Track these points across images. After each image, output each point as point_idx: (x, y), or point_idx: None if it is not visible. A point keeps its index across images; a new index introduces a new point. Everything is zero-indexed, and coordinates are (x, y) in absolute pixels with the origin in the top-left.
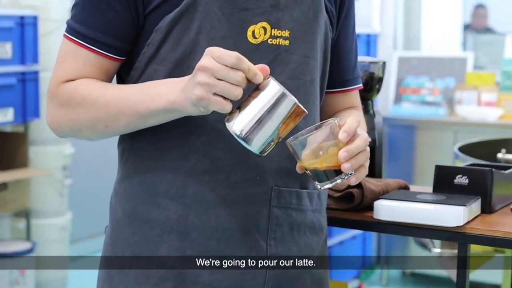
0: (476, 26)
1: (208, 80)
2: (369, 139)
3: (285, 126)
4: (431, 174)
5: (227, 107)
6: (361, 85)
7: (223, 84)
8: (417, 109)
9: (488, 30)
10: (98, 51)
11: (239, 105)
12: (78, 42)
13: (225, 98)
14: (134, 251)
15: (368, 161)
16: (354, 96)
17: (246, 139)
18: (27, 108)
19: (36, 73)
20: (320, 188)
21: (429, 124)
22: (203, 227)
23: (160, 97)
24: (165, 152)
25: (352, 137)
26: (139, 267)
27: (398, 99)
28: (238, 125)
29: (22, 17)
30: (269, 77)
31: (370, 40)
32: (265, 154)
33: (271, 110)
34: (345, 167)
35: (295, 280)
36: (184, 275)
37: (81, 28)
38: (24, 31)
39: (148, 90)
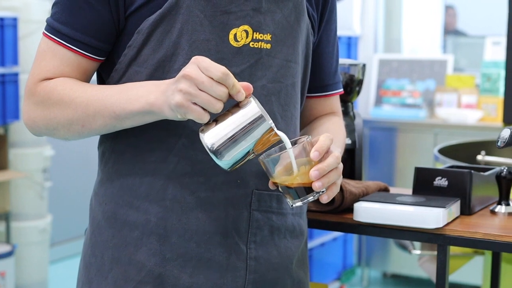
0: (447, 27)
1: (190, 89)
2: (340, 160)
3: (257, 148)
4: (411, 176)
5: (205, 118)
6: (341, 90)
7: (205, 96)
8: (397, 112)
9: (458, 32)
10: (77, 50)
11: (216, 118)
12: (57, 40)
13: (204, 108)
14: (113, 253)
15: (341, 178)
16: (334, 101)
17: (216, 153)
18: (7, 110)
19: (15, 75)
20: (292, 206)
21: (409, 126)
22: (183, 230)
23: (138, 98)
24: (145, 154)
25: (325, 155)
26: (119, 270)
27: (378, 101)
28: (211, 138)
29: (1, 19)
30: (250, 96)
31: (351, 43)
32: (232, 170)
33: (246, 130)
34: (316, 185)
35: (275, 283)
36: (164, 278)
37: (61, 27)
38: (3, 33)
39: (127, 91)
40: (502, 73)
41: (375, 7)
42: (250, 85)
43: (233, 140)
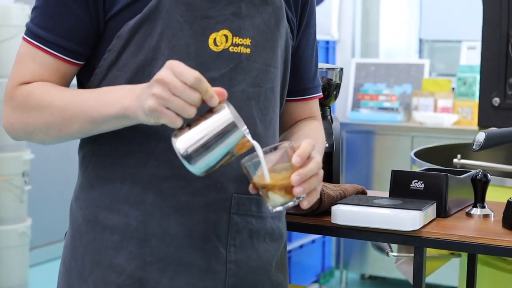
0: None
1: (163, 94)
2: (321, 165)
3: (230, 156)
4: (388, 179)
5: (178, 123)
6: (321, 94)
7: (178, 101)
8: (375, 115)
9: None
10: (56, 55)
11: (189, 122)
12: (36, 44)
13: (177, 113)
14: (94, 257)
15: (321, 185)
16: (313, 106)
17: (188, 159)
18: None
19: None
20: (272, 210)
21: (386, 129)
22: (163, 234)
23: (113, 102)
24: (125, 158)
25: (306, 160)
26: (99, 273)
27: (356, 105)
28: (183, 143)
29: None
30: (224, 102)
31: (329, 47)
32: (204, 175)
33: (218, 137)
34: (296, 191)
35: (254, 287)
36: (144, 282)
37: (40, 31)
38: None
39: (103, 95)
40: (478, 77)
41: (352, 12)
42: (224, 91)
43: (205, 146)
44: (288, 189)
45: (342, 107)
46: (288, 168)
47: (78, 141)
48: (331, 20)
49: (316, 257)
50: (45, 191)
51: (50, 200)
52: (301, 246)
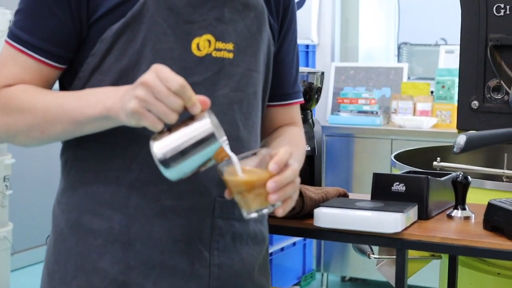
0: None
1: (146, 97)
2: (297, 174)
3: (206, 164)
4: (369, 181)
5: (158, 126)
6: (302, 99)
7: (160, 105)
8: (354, 118)
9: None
10: (38, 58)
11: (170, 127)
12: (18, 48)
13: (158, 117)
14: (77, 261)
15: (297, 193)
16: (294, 111)
17: (164, 163)
18: None
19: None
20: (247, 217)
21: (366, 132)
22: (146, 238)
23: (96, 103)
24: (109, 162)
25: (283, 168)
26: (82, 277)
27: (336, 108)
28: (161, 148)
29: None
30: (206, 111)
31: (309, 51)
32: (178, 180)
33: (196, 145)
34: (272, 198)
35: None
36: (128, 286)
37: (22, 34)
38: None
39: (86, 96)
40: (456, 80)
41: (332, 16)
42: (208, 100)
43: (182, 153)
44: (263, 196)
45: (322, 111)
46: (264, 175)
47: (59, 145)
48: (311, 24)
49: (297, 259)
50: (26, 195)
51: (32, 204)
52: (282, 249)
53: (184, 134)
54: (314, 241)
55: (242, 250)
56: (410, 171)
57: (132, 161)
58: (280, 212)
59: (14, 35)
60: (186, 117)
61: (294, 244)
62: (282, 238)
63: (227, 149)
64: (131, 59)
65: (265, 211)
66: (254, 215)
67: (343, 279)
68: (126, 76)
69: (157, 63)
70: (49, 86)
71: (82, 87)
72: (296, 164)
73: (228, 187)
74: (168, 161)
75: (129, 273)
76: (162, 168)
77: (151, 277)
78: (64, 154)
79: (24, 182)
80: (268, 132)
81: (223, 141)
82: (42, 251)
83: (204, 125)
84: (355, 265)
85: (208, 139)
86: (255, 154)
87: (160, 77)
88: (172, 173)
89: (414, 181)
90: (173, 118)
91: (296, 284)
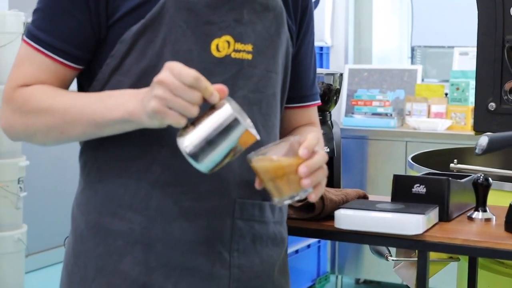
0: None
1: (165, 94)
2: (326, 158)
3: (234, 151)
4: (383, 184)
5: (182, 122)
6: (319, 101)
7: (179, 101)
8: (368, 121)
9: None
10: (55, 58)
11: (193, 121)
12: (36, 47)
13: (180, 113)
14: (97, 263)
15: (326, 179)
16: (312, 113)
17: (194, 157)
18: None
19: None
20: (279, 204)
21: (380, 135)
22: (167, 239)
23: (117, 107)
24: (128, 163)
25: (311, 154)
26: (103, 279)
27: (349, 111)
28: (188, 142)
29: None
30: (225, 99)
31: (323, 53)
32: (212, 172)
33: (222, 133)
34: (304, 183)
35: None
36: (148, 287)
37: (40, 34)
38: None
39: (106, 99)
40: (471, 82)
41: (345, 18)
42: (225, 87)
43: (210, 143)
44: (295, 182)
45: (336, 113)
46: (294, 161)
47: (74, 148)
48: (324, 26)
49: (311, 262)
50: (40, 197)
51: (46, 206)
52: (296, 251)
53: (208, 125)
54: (329, 243)
55: (262, 251)
56: (429, 173)
57: (152, 162)
58: (313, 197)
59: (31, 34)
60: (207, 109)
61: (308, 246)
62: (296, 240)
63: (253, 131)
64: (151, 60)
65: (297, 197)
66: (287, 201)
67: (357, 281)
68: (145, 77)
69: None
70: (66, 87)
71: (101, 88)
72: (323, 151)
73: (259, 175)
74: (197, 154)
75: (150, 275)
76: (193, 162)
77: (171, 279)
78: (83, 155)
79: (39, 184)
80: (285, 133)
81: (247, 124)
82: (57, 253)
83: (225, 112)
84: (369, 268)
85: (232, 124)
86: (282, 143)
87: (174, 73)
88: (204, 165)
89: (435, 182)
90: (194, 111)
91: (310, 287)
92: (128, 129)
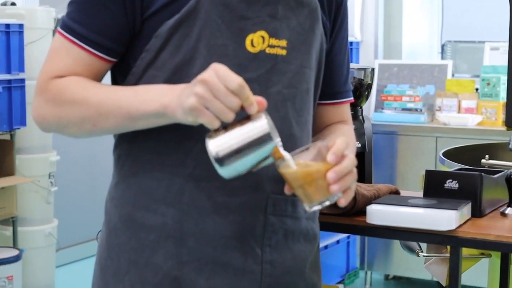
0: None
1: (205, 94)
2: (355, 163)
3: (259, 164)
4: (413, 179)
5: (215, 124)
6: (351, 98)
7: (218, 104)
8: (398, 116)
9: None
10: (90, 51)
11: (226, 126)
12: (71, 39)
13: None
14: (130, 256)
15: (355, 183)
16: (344, 110)
17: (219, 161)
18: (13, 116)
19: (22, 81)
20: (309, 210)
21: (410, 130)
22: (199, 234)
23: (152, 100)
24: (162, 157)
25: (340, 158)
26: (135, 272)
27: (379, 106)
28: (217, 146)
29: (7, 26)
30: (263, 112)
31: (352, 48)
32: (230, 179)
33: (252, 145)
34: (333, 188)
35: (289, 287)
36: (180, 281)
37: (75, 26)
38: (9, 40)
39: (141, 93)
40: (502, 77)
41: (375, 13)
42: (264, 101)
43: (238, 152)
44: (324, 188)
45: (366, 108)
46: (322, 167)
47: (105, 143)
48: (354, 21)
49: (340, 257)
50: (71, 192)
51: (76, 201)
52: (326, 247)
53: (240, 134)
54: (358, 239)
55: (294, 247)
56: (461, 168)
57: (186, 157)
58: (343, 202)
59: (67, 26)
60: (242, 117)
61: (338, 242)
62: (326, 236)
63: (282, 150)
64: (186, 55)
65: (327, 202)
66: (316, 207)
67: (386, 277)
68: (180, 71)
69: (210, 59)
70: (99, 79)
71: (136, 82)
72: (352, 154)
73: (288, 182)
74: (223, 159)
75: (182, 269)
76: (216, 166)
77: (203, 273)
78: (117, 149)
79: (69, 179)
80: (318, 131)
81: (278, 142)
82: (87, 247)
83: (261, 125)
84: (399, 263)
85: (264, 139)
86: (310, 148)
87: (219, 75)
88: (226, 171)
89: (467, 178)
90: (230, 116)
91: (339, 282)
92: (161, 123)
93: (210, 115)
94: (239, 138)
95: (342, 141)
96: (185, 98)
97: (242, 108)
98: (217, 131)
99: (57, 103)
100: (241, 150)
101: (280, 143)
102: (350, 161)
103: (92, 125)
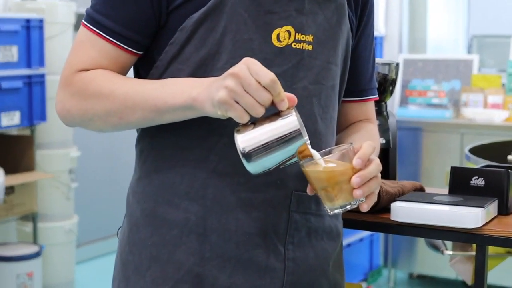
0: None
1: (236, 88)
2: (381, 167)
3: (287, 161)
4: (438, 176)
5: (245, 118)
6: (376, 96)
7: (249, 98)
8: (423, 112)
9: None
10: (116, 43)
11: (254, 121)
12: (97, 32)
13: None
14: (151, 252)
15: (379, 187)
16: (369, 107)
17: (247, 157)
18: (34, 111)
19: (42, 76)
20: (330, 213)
21: (435, 126)
22: (222, 230)
23: (180, 93)
24: (186, 152)
25: (366, 162)
26: (157, 268)
27: (404, 101)
28: (246, 141)
29: (28, 21)
30: (292, 109)
31: (376, 43)
32: (256, 175)
33: (281, 141)
34: (356, 193)
35: (312, 285)
36: (202, 278)
37: (101, 18)
38: (30, 35)
39: (169, 85)
40: None
41: (399, 7)
42: (295, 97)
43: (266, 148)
44: (347, 191)
45: (390, 104)
46: (347, 170)
47: (126, 138)
48: (378, 15)
49: (364, 255)
50: (91, 188)
51: (97, 197)
52: (349, 245)
53: (269, 129)
54: (381, 236)
55: (316, 245)
56: (487, 165)
57: (210, 152)
58: (365, 207)
59: (92, 19)
60: (270, 113)
61: (361, 239)
62: (349, 233)
63: (310, 147)
64: (211, 48)
65: (349, 206)
66: (337, 210)
67: (410, 275)
68: (205, 65)
69: (235, 54)
70: (125, 72)
71: (160, 76)
72: (378, 159)
73: (311, 183)
74: (250, 155)
75: (204, 265)
76: (244, 161)
77: (226, 270)
78: (139, 143)
79: (90, 175)
80: (342, 128)
81: (306, 140)
82: (107, 243)
83: (291, 122)
84: (423, 262)
85: (293, 136)
86: (336, 149)
87: (251, 70)
88: (253, 167)
89: (494, 175)
90: (260, 111)
91: (363, 280)
92: (189, 116)
93: (240, 109)
94: (268, 134)
95: (369, 145)
96: (215, 91)
97: (272, 104)
98: (245, 126)
99: (83, 97)
100: (269, 146)
101: (308, 141)
102: (376, 166)
103: (118, 118)
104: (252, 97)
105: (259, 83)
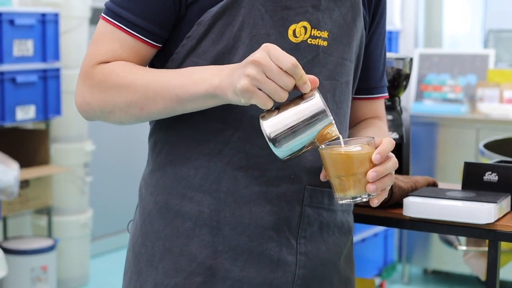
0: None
1: (258, 75)
2: (397, 165)
3: (314, 141)
4: (453, 171)
5: (269, 104)
6: (387, 94)
7: (271, 84)
8: (438, 107)
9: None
10: (136, 36)
11: (278, 106)
12: (117, 24)
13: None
14: (164, 244)
15: (391, 185)
16: (379, 106)
17: (274, 141)
18: (49, 105)
19: (57, 70)
20: (339, 202)
21: (451, 121)
22: (235, 223)
23: (202, 81)
24: (200, 145)
25: (384, 159)
26: (170, 260)
27: (419, 96)
28: (272, 126)
29: (43, 15)
30: (315, 90)
31: (392, 37)
32: (286, 160)
33: (307, 123)
34: (370, 187)
35: (323, 279)
36: (215, 270)
37: (121, 11)
38: (45, 29)
39: (189, 74)
40: None
41: (415, 1)
42: (317, 79)
43: (293, 131)
44: (361, 184)
45: (405, 99)
46: (365, 162)
47: (140, 133)
48: (394, 9)
49: (378, 250)
50: (106, 182)
51: (112, 191)
52: (363, 240)
53: (294, 113)
54: (396, 232)
55: (328, 239)
56: (501, 160)
57: (224, 146)
58: (376, 202)
59: (111, 12)
60: (294, 97)
61: (375, 235)
62: (363, 228)
63: (335, 127)
64: (228, 43)
65: (359, 199)
66: (347, 201)
67: (425, 271)
68: (221, 60)
69: (252, 48)
70: (144, 65)
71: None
72: (394, 156)
73: (326, 168)
74: (278, 139)
75: (217, 258)
76: (272, 146)
77: (238, 263)
78: (153, 136)
79: (105, 169)
80: (351, 125)
81: (332, 120)
82: (122, 237)
83: (316, 103)
84: (438, 257)
85: (319, 116)
86: (357, 140)
87: (272, 55)
88: (282, 151)
89: (507, 170)
90: (283, 96)
91: (377, 276)
92: (211, 104)
93: (263, 96)
94: (294, 117)
95: (389, 142)
96: (236, 79)
97: (295, 87)
98: (270, 112)
99: (103, 88)
100: (296, 129)
101: (334, 121)
102: (393, 163)
103: (139, 109)
104: (274, 82)
105: (281, 68)
